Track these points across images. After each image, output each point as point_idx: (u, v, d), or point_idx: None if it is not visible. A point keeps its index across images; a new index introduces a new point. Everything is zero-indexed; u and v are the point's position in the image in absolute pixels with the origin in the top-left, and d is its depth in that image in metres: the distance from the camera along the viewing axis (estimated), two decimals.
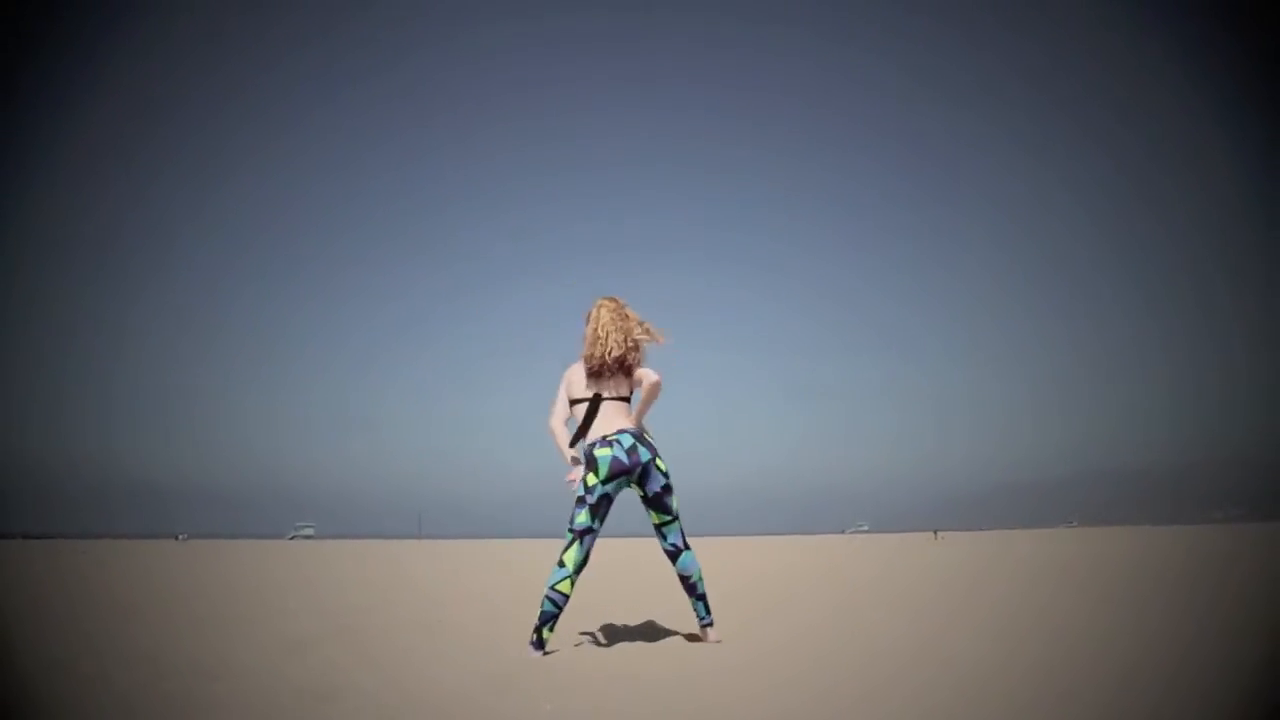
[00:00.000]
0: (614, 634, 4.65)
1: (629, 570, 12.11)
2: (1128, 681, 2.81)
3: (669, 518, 4.17)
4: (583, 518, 4.02)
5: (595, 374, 4.21)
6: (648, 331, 4.26)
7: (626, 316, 4.27)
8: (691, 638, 4.38)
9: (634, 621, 5.21)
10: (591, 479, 4.05)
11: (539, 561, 16.51)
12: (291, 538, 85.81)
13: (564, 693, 2.96)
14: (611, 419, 4.17)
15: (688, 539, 4.24)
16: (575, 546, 4.01)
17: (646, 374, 4.19)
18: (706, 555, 17.94)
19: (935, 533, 54.01)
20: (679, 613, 5.32)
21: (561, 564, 4.00)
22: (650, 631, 4.75)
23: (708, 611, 4.26)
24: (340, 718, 2.61)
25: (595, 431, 4.14)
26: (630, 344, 4.19)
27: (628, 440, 4.11)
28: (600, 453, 4.07)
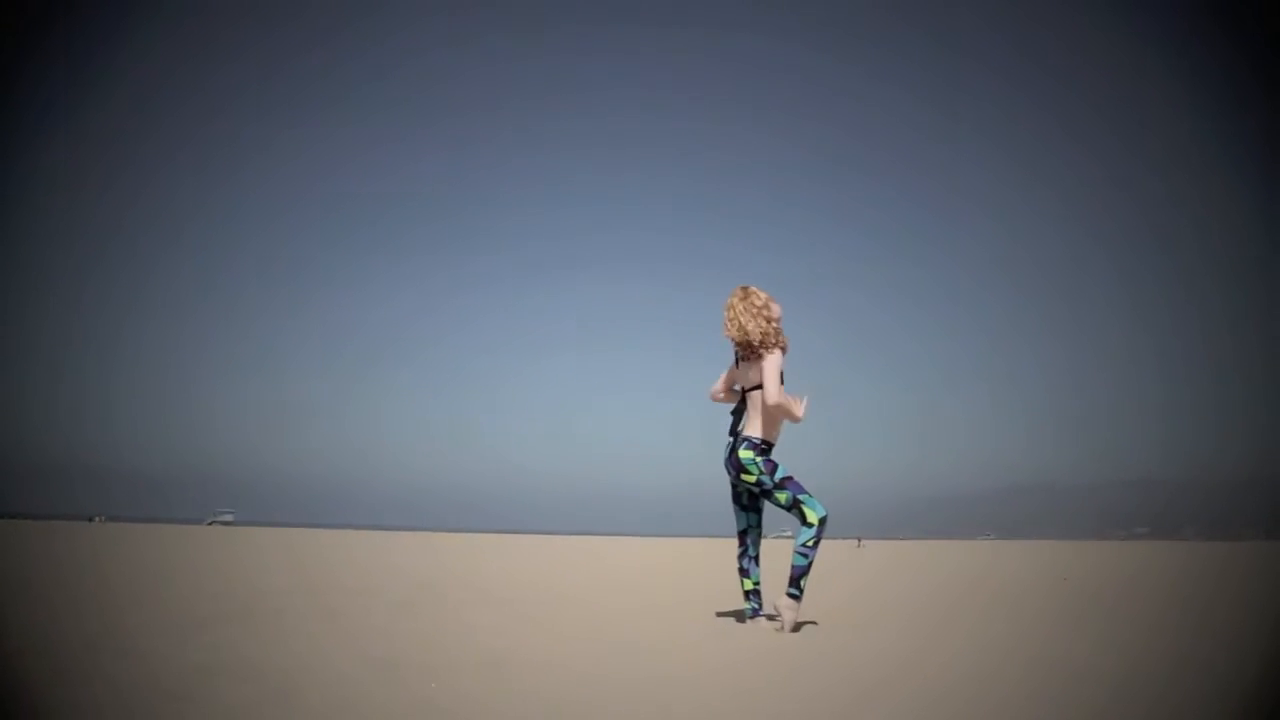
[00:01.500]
0: (526, 624, 4.80)
1: (590, 564, 12.24)
2: (1063, 685, 3.06)
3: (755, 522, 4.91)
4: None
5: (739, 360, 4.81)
6: (764, 315, 4.65)
7: (749, 301, 4.68)
8: (583, 633, 4.57)
9: (544, 613, 5.38)
10: None
11: (461, 552, 16.52)
12: (210, 523, 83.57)
13: (449, 675, 3.13)
14: (746, 413, 4.76)
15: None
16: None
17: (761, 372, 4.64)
18: (628, 554, 18.10)
19: (859, 540, 55.03)
20: (592, 606, 5.49)
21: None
22: (552, 621, 4.93)
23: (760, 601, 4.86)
24: (226, 692, 2.74)
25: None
26: (739, 330, 4.65)
27: (732, 443, 4.76)
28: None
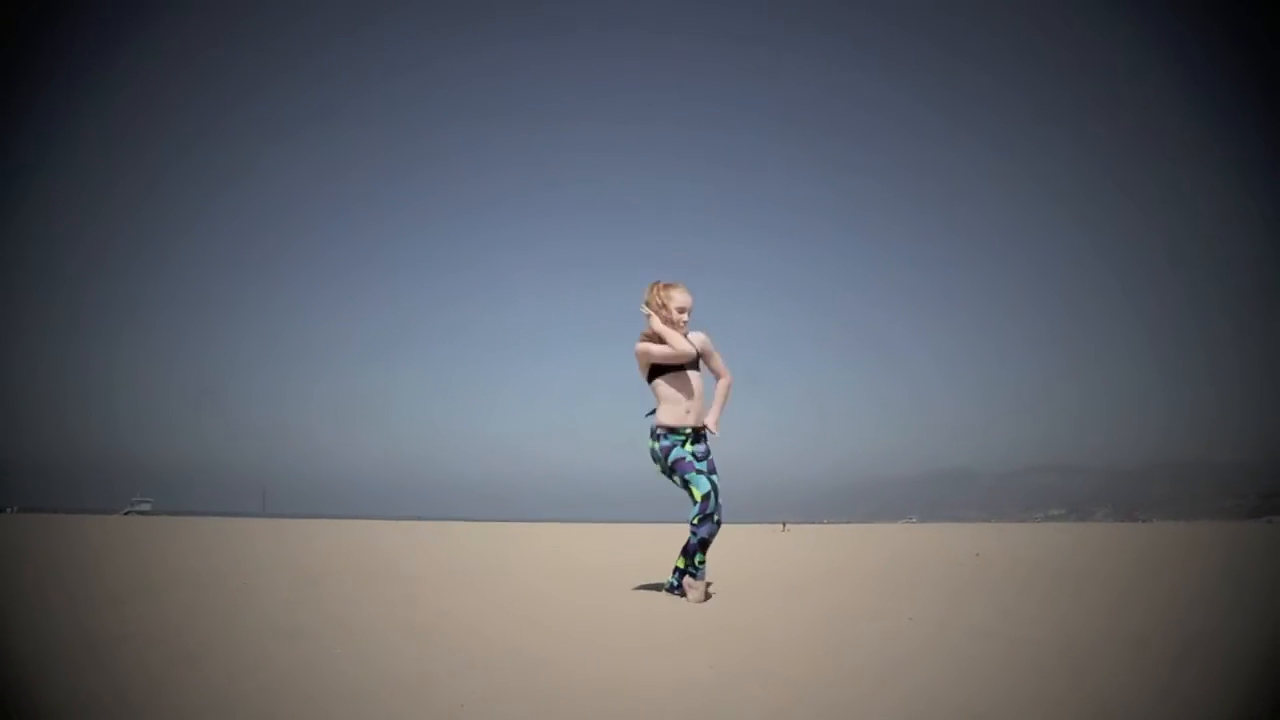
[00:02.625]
0: (433, 597, 4.91)
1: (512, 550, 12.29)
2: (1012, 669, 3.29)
3: None
4: None
5: None
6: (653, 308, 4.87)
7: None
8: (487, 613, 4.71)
9: (460, 590, 5.49)
10: None
11: (378, 539, 16.45)
12: (126, 513, 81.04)
13: (355, 640, 3.24)
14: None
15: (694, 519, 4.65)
16: None
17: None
18: (575, 541, 18.11)
19: (784, 525, 55.96)
20: (511, 582, 5.59)
21: None
22: (465, 595, 5.05)
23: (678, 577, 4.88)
24: (132, 658, 2.82)
25: None
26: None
27: None
28: None
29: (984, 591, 5.54)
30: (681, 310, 4.81)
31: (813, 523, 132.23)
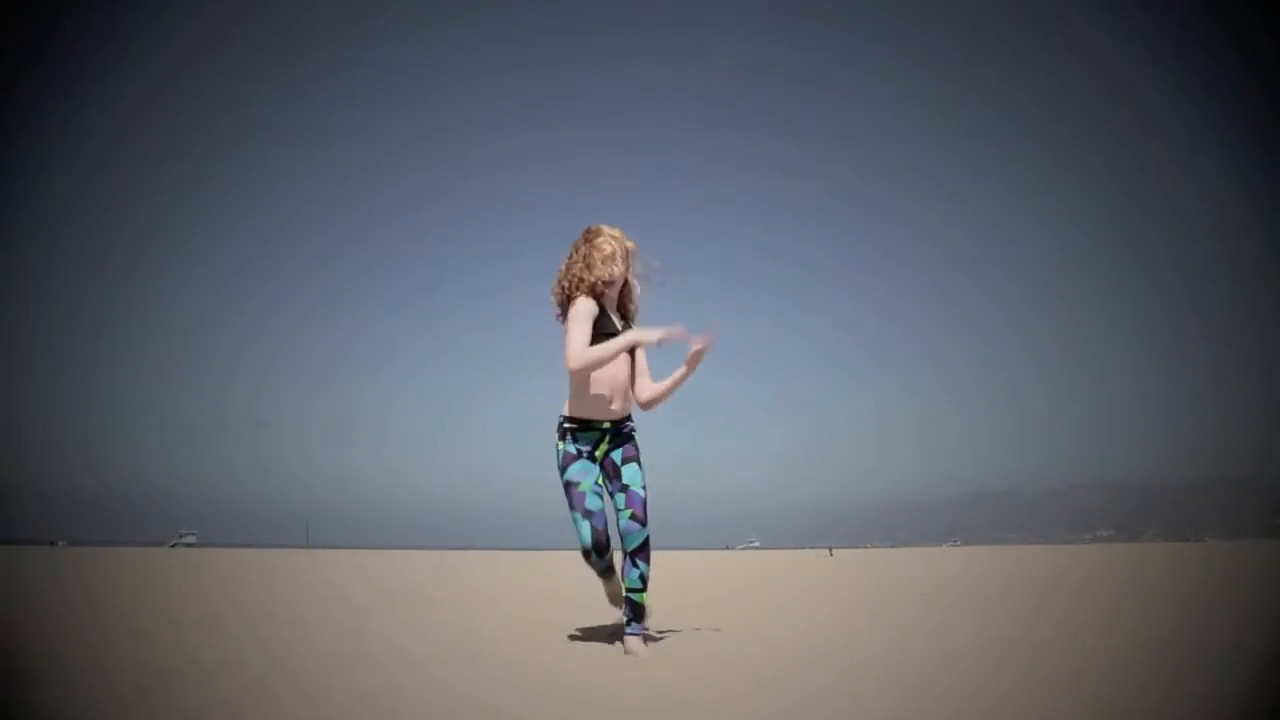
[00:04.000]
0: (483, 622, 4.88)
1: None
2: (1065, 687, 3.19)
3: None
4: None
5: None
6: (575, 263, 3.74)
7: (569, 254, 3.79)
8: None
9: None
10: None
11: (424, 569, 16.48)
12: (173, 545, 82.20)
13: (417, 668, 3.22)
14: None
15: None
16: None
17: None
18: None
19: (830, 549, 55.26)
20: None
21: None
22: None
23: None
24: (201, 688, 2.81)
25: None
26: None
27: None
28: None
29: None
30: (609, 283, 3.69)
31: (855, 547, 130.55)
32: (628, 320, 3.78)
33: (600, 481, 3.66)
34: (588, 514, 3.56)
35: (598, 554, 3.59)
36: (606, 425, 3.69)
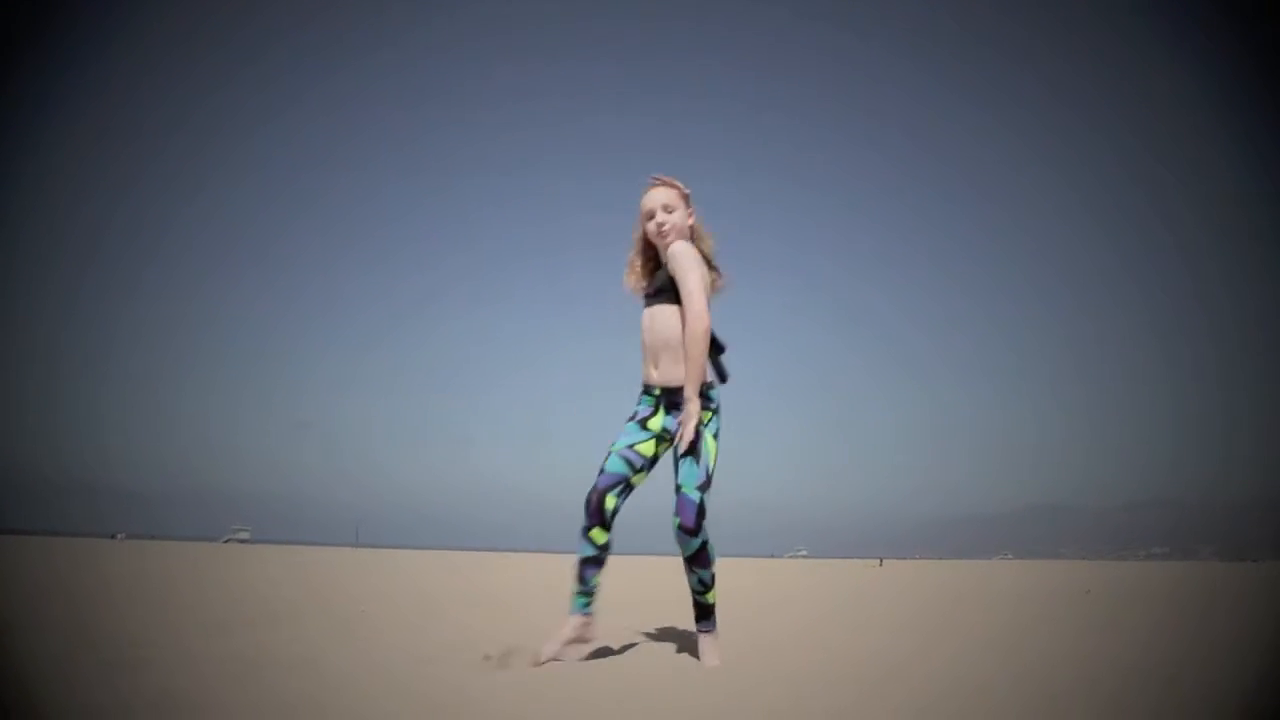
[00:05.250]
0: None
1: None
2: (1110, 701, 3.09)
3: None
4: None
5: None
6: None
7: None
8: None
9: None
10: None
11: (482, 569, 16.58)
12: (225, 541, 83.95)
13: (494, 665, 3.21)
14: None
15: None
16: None
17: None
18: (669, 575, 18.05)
19: (880, 560, 54.58)
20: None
21: None
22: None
23: None
24: (286, 680, 2.83)
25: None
26: None
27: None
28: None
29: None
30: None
31: (904, 558, 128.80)
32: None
33: (640, 450, 3.29)
34: (600, 472, 3.26)
35: (585, 512, 3.23)
36: (656, 392, 3.33)
